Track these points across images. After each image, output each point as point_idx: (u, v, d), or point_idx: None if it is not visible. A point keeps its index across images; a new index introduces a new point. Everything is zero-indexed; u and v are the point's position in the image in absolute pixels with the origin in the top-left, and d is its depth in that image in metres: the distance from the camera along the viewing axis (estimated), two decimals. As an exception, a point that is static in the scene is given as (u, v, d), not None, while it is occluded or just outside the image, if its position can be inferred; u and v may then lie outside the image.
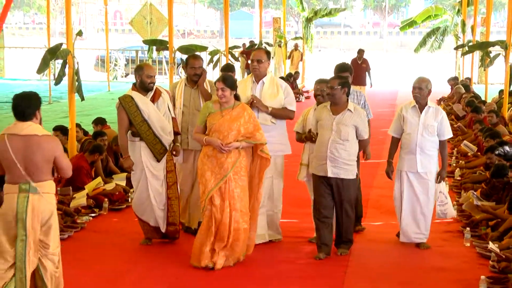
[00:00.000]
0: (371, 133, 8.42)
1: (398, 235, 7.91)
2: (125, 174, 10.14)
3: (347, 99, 7.42)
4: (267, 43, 26.53)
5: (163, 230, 7.69)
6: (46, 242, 5.57)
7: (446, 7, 32.52)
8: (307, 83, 27.90)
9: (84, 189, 9.20)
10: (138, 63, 30.61)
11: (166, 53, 20.90)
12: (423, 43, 28.85)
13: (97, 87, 26.25)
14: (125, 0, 65.29)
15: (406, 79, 29.58)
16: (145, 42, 19.69)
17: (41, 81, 26.16)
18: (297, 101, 23.71)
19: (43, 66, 10.27)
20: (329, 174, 7.29)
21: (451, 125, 8.80)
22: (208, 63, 21.37)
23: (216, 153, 6.97)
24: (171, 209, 7.68)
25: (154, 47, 19.40)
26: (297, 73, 26.35)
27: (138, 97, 7.58)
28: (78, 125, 11.24)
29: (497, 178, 8.90)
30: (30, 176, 5.49)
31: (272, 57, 28.23)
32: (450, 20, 28.17)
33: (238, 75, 21.21)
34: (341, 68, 8.20)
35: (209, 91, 8.06)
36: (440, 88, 22.47)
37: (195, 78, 8.10)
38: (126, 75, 31.85)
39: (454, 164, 11.86)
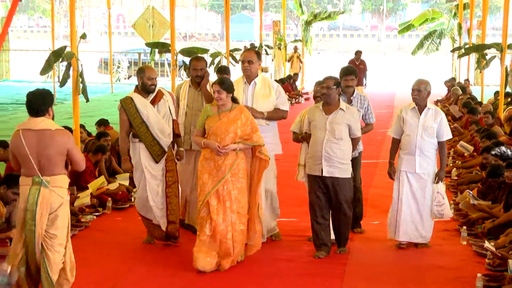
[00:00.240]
0: (367, 135, 8.43)
1: (398, 245, 7.76)
2: (128, 174, 10.13)
3: (339, 99, 7.41)
4: (267, 46, 26.52)
5: (163, 228, 7.66)
6: (52, 232, 5.69)
7: (442, 11, 32.57)
8: (307, 85, 27.91)
9: (88, 188, 9.20)
10: (141, 65, 30.67)
11: (168, 55, 20.87)
12: (420, 45, 28.87)
13: (100, 89, 26.25)
14: (128, 3, 65.28)
15: (403, 81, 29.61)
16: (147, 44, 19.67)
17: (45, 83, 26.10)
18: (296, 102, 23.89)
19: (47, 67, 10.26)
20: (324, 174, 7.27)
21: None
22: (210, 65, 21.35)
23: (213, 155, 6.94)
24: (170, 207, 7.65)
25: (157, 50, 19.41)
26: (296, 74, 26.35)
27: (138, 99, 7.58)
28: (82, 126, 11.23)
29: (493, 178, 8.90)
30: (43, 170, 5.68)
31: (272, 60, 28.23)
32: (447, 23, 28.18)
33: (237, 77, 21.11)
34: (346, 71, 8.21)
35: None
36: (437, 90, 22.46)
37: (197, 79, 8.09)
38: (129, 77, 31.83)
39: (451, 164, 11.86)
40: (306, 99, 23.60)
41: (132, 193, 9.66)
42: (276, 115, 7.75)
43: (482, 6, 21.15)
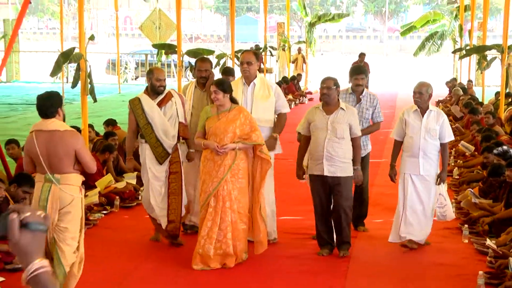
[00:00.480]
0: (373, 134, 8.40)
1: (403, 245, 7.68)
2: (135, 173, 10.14)
3: (338, 99, 7.36)
4: (272, 47, 26.51)
5: (163, 227, 7.63)
6: (63, 225, 5.83)
7: (444, 12, 32.50)
8: (310, 85, 27.89)
9: (96, 187, 9.21)
10: (148, 66, 30.69)
11: (174, 56, 20.89)
12: (422, 47, 28.83)
13: (108, 89, 26.27)
14: (135, 6, 65.30)
15: (405, 82, 29.57)
16: (154, 46, 19.69)
17: (54, 83, 26.16)
18: (300, 103, 23.83)
19: (56, 69, 10.27)
20: (325, 173, 7.19)
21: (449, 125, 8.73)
22: (215, 66, 21.35)
23: (213, 156, 6.89)
24: (171, 206, 7.59)
25: (163, 51, 19.41)
26: (299, 75, 26.32)
27: (145, 100, 7.56)
28: (91, 126, 11.25)
29: (493, 177, 8.88)
30: (53, 168, 5.83)
31: (277, 61, 28.22)
32: (448, 25, 28.15)
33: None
34: (357, 70, 8.19)
35: None
36: (439, 90, 22.42)
37: (202, 80, 8.05)
38: (136, 78, 31.86)
39: (453, 164, 11.84)
40: (310, 100, 23.58)
41: (139, 192, 9.67)
42: (282, 125, 7.73)
43: (483, 8, 21.11)
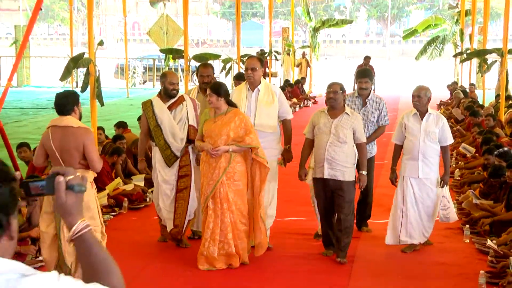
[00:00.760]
0: (379, 139, 8.37)
1: (403, 250, 7.58)
2: (143, 175, 10.15)
3: (344, 104, 7.30)
4: (276, 52, 26.51)
5: (168, 230, 7.61)
6: None
7: (445, 17, 32.50)
8: (315, 89, 27.89)
9: (105, 189, 9.22)
10: (155, 71, 30.77)
11: (181, 61, 20.94)
12: (423, 51, 28.80)
13: (116, 93, 26.31)
14: (143, 11, 65.41)
15: (407, 85, 29.52)
16: (161, 51, 19.72)
17: (64, 88, 26.23)
18: (304, 106, 23.80)
19: (66, 73, 10.30)
20: (326, 176, 7.09)
21: (450, 127, 8.72)
22: (221, 71, 21.37)
23: (209, 158, 6.85)
24: (177, 211, 7.55)
25: (171, 56, 19.44)
26: (303, 78, 26.31)
27: (157, 103, 7.56)
28: (101, 128, 11.28)
29: (494, 178, 8.87)
30: (66, 163, 6.01)
31: (281, 65, 28.23)
32: (449, 29, 28.12)
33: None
34: (361, 74, 8.17)
35: None
36: (440, 93, 22.40)
37: (204, 86, 7.97)
38: (144, 82, 31.93)
39: (454, 165, 11.82)
40: (314, 103, 23.57)
41: (147, 194, 9.68)
42: (290, 134, 7.66)
43: (483, 12, 21.09)
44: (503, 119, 14.18)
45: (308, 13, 28.83)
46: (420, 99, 7.49)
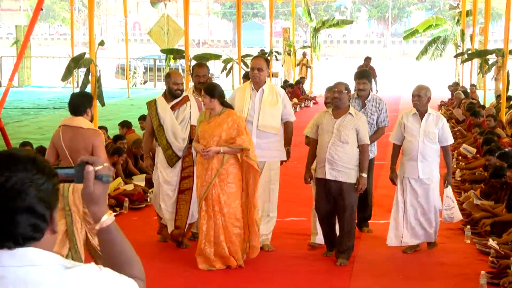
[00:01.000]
0: (380, 139, 8.35)
1: (404, 251, 7.54)
2: (144, 175, 10.15)
3: (349, 104, 7.24)
4: (277, 52, 26.52)
5: (169, 232, 7.59)
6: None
7: (446, 18, 32.48)
8: (315, 89, 27.89)
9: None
10: (156, 71, 30.78)
11: (182, 61, 20.93)
12: (424, 51, 28.80)
13: (117, 93, 26.32)
14: (143, 12, 65.42)
15: (408, 86, 29.49)
16: (162, 51, 19.76)
17: (65, 88, 26.23)
18: (305, 106, 23.81)
19: (67, 74, 10.33)
20: (327, 176, 7.01)
21: (452, 128, 8.70)
22: (222, 71, 21.40)
23: (202, 159, 6.81)
24: (179, 212, 7.52)
25: (171, 56, 19.46)
26: (303, 78, 26.30)
27: (160, 102, 7.55)
28: (104, 128, 11.29)
29: (495, 179, 8.86)
30: (74, 162, 6.01)
31: (282, 65, 28.23)
32: (450, 30, 28.11)
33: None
34: (359, 75, 8.15)
35: None
36: (441, 94, 22.41)
37: (200, 86, 7.85)
38: (145, 82, 31.95)
39: (455, 166, 11.81)
40: (315, 103, 23.57)
41: (148, 194, 9.68)
42: (291, 136, 7.67)
43: (484, 13, 21.09)
44: (504, 120, 14.18)
45: (309, 14, 28.82)
46: (420, 98, 7.43)
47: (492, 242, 7.07)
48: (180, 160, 7.52)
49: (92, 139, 6.17)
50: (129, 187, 9.64)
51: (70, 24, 25.17)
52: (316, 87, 28.17)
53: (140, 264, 2.24)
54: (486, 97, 18.85)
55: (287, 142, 7.67)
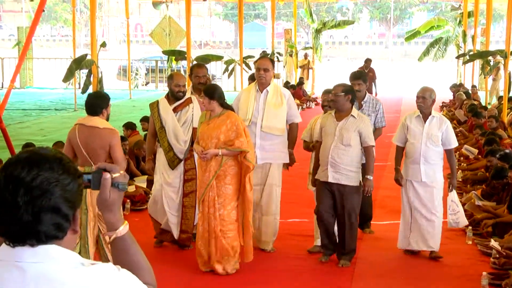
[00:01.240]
0: (379, 139, 8.31)
1: (406, 251, 7.48)
2: (145, 176, 10.16)
3: (352, 106, 7.11)
4: (279, 53, 26.54)
5: (176, 236, 7.53)
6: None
7: (448, 19, 32.46)
8: (317, 90, 27.90)
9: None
10: (158, 72, 30.80)
11: (184, 62, 20.95)
12: (426, 52, 28.82)
13: (119, 95, 26.33)
14: (145, 13, 65.49)
15: (410, 87, 29.52)
16: (164, 52, 19.78)
17: (67, 89, 26.26)
18: (307, 107, 23.84)
19: (69, 75, 10.35)
20: (330, 179, 6.93)
21: (453, 129, 8.66)
22: (224, 72, 21.43)
23: (201, 161, 6.77)
24: (185, 216, 7.48)
25: (173, 57, 19.48)
26: (301, 78, 26.25)
27: (162, 104, 7.52)
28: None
29: (497, 180, 8.86)
30: (91, 161, 6.22)
31: (284, 67, 28.24)
32: (452, 31, 28.11)
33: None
34: (354, 76, 8.09)
35: None
36: (443, 95, 22.40)
37: (199, 86, 7.82)
38: (147, 83, 31.98)
39: (457, 167, 11.80)
40: (317, 104, 23.56)
41: (149, 195, 9.67)
42: (295, 138, 7.59)
43: (486, 14, 21.09)
44: (505, 121, 14.18)
45: (311, 15, 28.83)
46: (425, 100, 7.34)
47: (494, 243, 7.07)
48: (182, 162, 7.48)
49: (108, 138, 6.26)
50: (131, 188, 9.64)
51: (72, 26, 25.19)
52: (318, 88, 28.17)
53: (152, 271, 2.27)
54: (488, 98, 18.83)
55: (291, 144, 7.60)
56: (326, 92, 7.74)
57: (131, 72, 28.37)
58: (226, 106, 6.82)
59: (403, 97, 26.40)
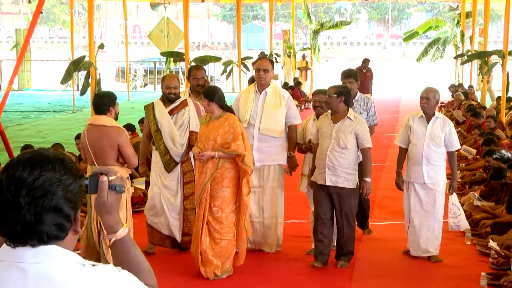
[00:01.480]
0: (374, 139, 8.28)
1: (405, 252, 7.47)
2: (144, 178, 10.12)
3: (347, 108, 7.03)
4: (277, 54, 26.56)
5: (178, 239, 7.48)
6: None
7: (446, 19, 32.50)
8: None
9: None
10: (156, 74, 30.81)
11: (182, 64, 20.97)
12: (424, 52, 28.86)
13: (117, 96, 26.29)
14: (143, 15, 65.47)
15: (408, 87, 29.56)
16: (162, 54, 19.81)
17: (65, 91, 26.25)
18: (305, 108, 23.86)
19: (67, 76, 10.35)
20: (328, 183, 6.86)
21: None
22: (222, 73, 21.45)
23: (198, 163, 6.74)
24: (187, 219, 7.42)
25: (171, 59, 19.49)
26: (296, 78, 26.22)
27: (158, 106, 7.45)
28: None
29: (495, 180, 8.86)
30: (98, 160, 6.33)
31: (282, 67, 28.26)
32: (450, 31, 28.15)
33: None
34: (345, 74, 7.99)
35: None
36: (441, 95, 22.41)
37: (198, 88, 7.75)
38: (145, 85, 31.99)
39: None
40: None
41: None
42: (294, 140, 7.50)
43: (484, 14, 21.11)
44: (504, 121, 14.19)
45: (309, 16, 28.86)
46: (429, 101, 7.25)
47: (492, 243, 7.07)
48: (179, 165, 7.41)
49: (116, 136, 6.34)
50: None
51: (70, 27, 25.18)
52: (316, 89, 28.17)
53: (153, 273, 2.27)
54: (486, 98, 18.85)
55: (291, 147, 7.49)
56: (317, 93, 7.71)
57: (130, 73, 28.37)
58: (226, 108, 6.76)
59: (401, 98, 26.43)
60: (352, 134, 6.91)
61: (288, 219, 8.55)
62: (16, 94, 26.32)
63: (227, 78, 21.62)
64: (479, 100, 19.32)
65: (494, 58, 17.31)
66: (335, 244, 7.20)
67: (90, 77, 10.22)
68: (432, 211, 7.26)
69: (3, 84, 28.85)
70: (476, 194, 8.92)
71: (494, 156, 9.44)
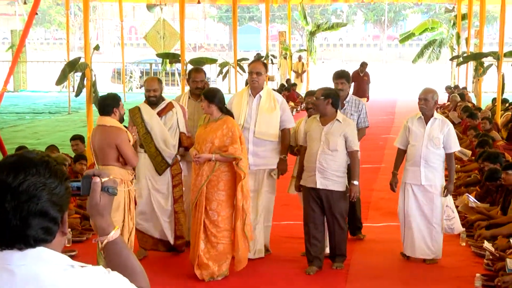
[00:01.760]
0: (369, 140, 8.26)
1: (403, 254, 7.45)
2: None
3: (336, 110, 6.98)
4: (273, 56, 26.55)
5: (171, 242, 7.45)
6: None
7: (442, 21, 32.52)
8: (311, 93, 27.91)
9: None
10: (152, 75, 30.78)
11: (178, 65, 20.95)
12: (420, 54, 28.90)
13: (115, 98, 26.32)
14: (140, 16, 65.42)
15: (404, 88, 29.60)
16: (158, 55, 19.78)
17: (61, 92, 26.24)
18: (301, 110, 23.84)
19: (62, 78, 10.32)
20: (318, 186, 6.84)
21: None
22: (218, 75, 21.42)
23: (195, 165, 6.72)
24: (178, 222, 7.40)
25: (167, 60, 19.48)
26: (288, 80, 26.19)
27: (145, 109, 7.37)
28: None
29: (490, 182, 8.87)
30: (99, 159, 6.47)
31: (278, 69, 28.27)
32: (446, 33, 28.19)
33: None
34: (337, 75, 7.92)
35: None
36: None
37: (197, 91, 7.77)
38: (141, 86, 31.92)
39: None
40: (311, 107, 23.58)
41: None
42: (287, 144, 7.44)
43: (480, 16, 21.13)
44: (499, 122, 14.21)
45: (305, 17, 28.87)
46: (427, 102, 7.23)
47: (487, 244, 7.09)
48: (169, 168, 7.36)
49: (114, 136, 6.38)
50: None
51: (65, 29, 25.18)
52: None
53: (145, 275, 2.26)
54: (482, 99, 18.85)
55: (284, 151, 7.45)
56: (310, 94, 7.71)
57: (125, 75, 28.36)
58: (226, 111, 6.75)
59: (397, 99, 26.46)
60: (342, 136, 6.88)
61: (283, 221, 8.57)
62: (12, 95, 26.31)
63: (223, 80, 21.60)
64: (474, 102, 19.35)
65: (488, 60, 17.33)
66: (327, 251, 7.17)
67: (86, 79, 10.20)
68: (430, 214, 7.23)
69: (-2, 86, 28.79)
70: (471, 196, 8.93)
71: (485, 156, 9.44)
